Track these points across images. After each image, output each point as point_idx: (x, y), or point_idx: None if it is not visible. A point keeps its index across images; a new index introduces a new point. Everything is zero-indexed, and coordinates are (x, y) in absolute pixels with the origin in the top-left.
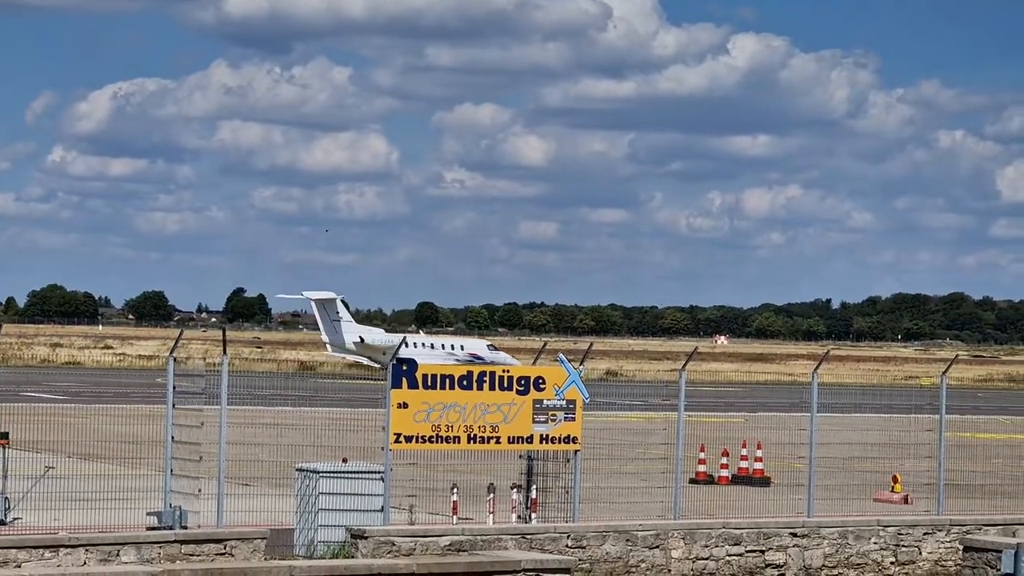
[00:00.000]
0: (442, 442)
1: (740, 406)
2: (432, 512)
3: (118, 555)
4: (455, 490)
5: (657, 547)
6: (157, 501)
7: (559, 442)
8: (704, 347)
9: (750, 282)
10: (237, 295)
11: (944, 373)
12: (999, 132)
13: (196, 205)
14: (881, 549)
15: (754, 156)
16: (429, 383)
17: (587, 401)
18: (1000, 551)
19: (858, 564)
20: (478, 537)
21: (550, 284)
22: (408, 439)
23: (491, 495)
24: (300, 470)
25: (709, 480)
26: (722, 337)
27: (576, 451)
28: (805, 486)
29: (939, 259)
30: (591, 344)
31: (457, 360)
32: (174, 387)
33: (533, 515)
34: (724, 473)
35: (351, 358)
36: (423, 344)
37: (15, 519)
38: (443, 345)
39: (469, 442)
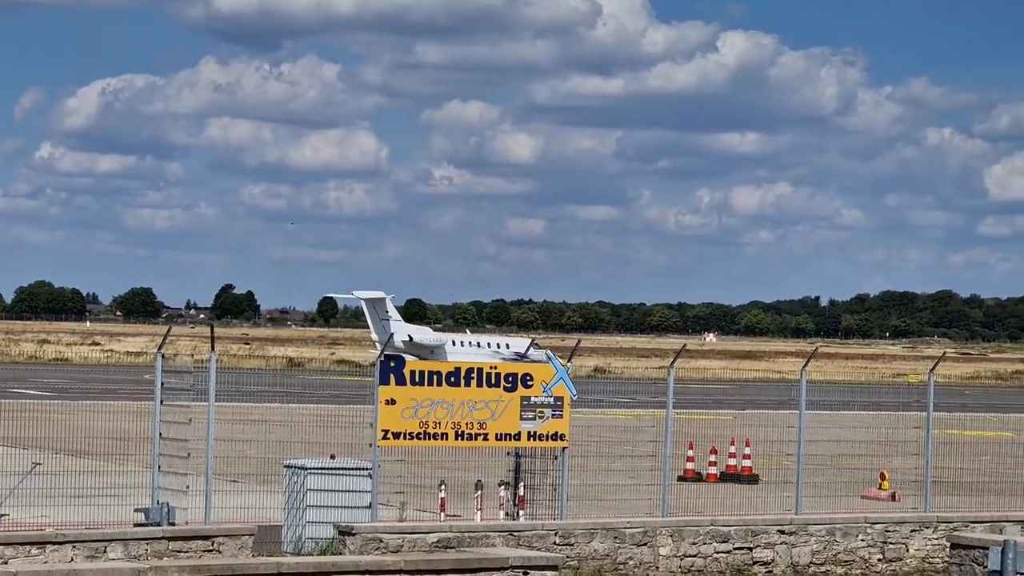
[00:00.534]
0: (430, 439)
1: (728, 403)
2: (420, 509)
3: (105, 552)
4: (443, 487)
5: (645, 544)
6: (145, 498)
7: (547, 439)
8: (692, 344)
9: (739, 279)
10: (226, 292)
11: (932, 371)
12: (987, 130)
13: (185, 202)
14: (868, 546)
15: (743, 153)
16: (417, 379)
17: (575, 398)
18: (987, 548)
19: (846, 561)
20: (466, 534)
21: (538, 281)
22: (396, 436)
23: (479, 492)
24: (288, 466)
25: (697, 478)
26: (710, 334)
27: (564, 448)
28: (793, 483)
29: (927, 257)
30: (579, 341)
31: (503, 359)
32: (162, 383)
33: (521, 512)
34: (712, 470)
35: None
36: (468, 343)
37: (2, 515)
38: (488, 344)
39: (457, 439)
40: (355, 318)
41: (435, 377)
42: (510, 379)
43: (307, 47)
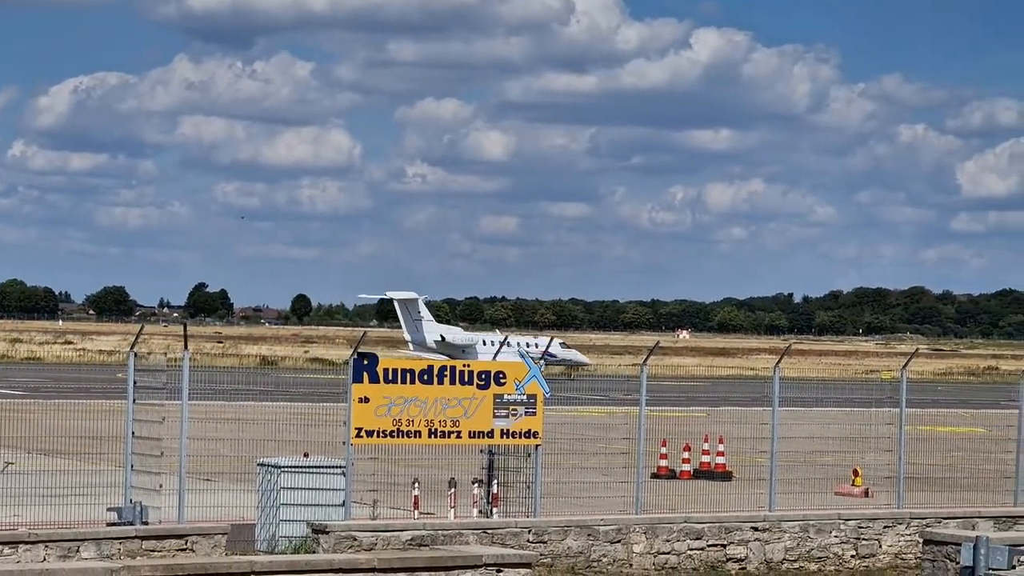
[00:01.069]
0: (403, 436)
1: (702, 400)
2: (393, 507)
3: (78, 551)
4: (416, 485)
5: (619, 541)
6: (118, 497)
7: (520, 436)
8: (666, 341)
9: (712, 276)
10: (199, 290)
11: (904, 367)
12: (960, 127)
13: (158, 200)
14: (842, 543)
15: (716, 150)
16: (390, 377)
17: (548, 396)
18: (960, 544)
19: (819, 557)
20: (439, 532)
21: (511, 278)
22: (369, 434)
23: (452, 490)
24: (261, 465)
25: (671, 475)
26: (684, 331)
27: (537, 446)
28: (767, 480)
29: (900, 253)
30: (551, 338)
31: (534, 358)
32: (135, 382)
33: (494, 510)
34: (686, 467)
35: (432, 356)
36: (497, 342)
37: None
38: (518, 343)
39: (430, 436)
40: (328, 316)
41: (408, 375)
42: (483, 377)
43: (280, 45)
